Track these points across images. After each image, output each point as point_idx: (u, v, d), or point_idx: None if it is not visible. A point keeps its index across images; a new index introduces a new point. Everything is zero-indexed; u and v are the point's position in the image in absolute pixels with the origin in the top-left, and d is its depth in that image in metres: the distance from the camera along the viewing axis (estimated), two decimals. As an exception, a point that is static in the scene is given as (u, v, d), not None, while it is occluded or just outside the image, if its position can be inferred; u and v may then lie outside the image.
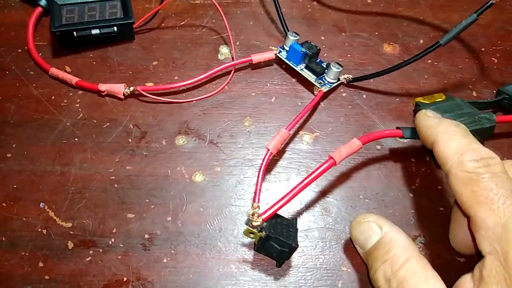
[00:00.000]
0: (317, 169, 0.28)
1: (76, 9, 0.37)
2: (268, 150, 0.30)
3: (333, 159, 0.29)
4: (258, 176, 0.29)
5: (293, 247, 0.27)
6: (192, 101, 0.36)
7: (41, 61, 0.37)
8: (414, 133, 0.30)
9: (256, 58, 0.37)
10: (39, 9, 0.39)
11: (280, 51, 0.37)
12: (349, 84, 0.37)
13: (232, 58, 0.38)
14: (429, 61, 0.38)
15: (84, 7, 0.37)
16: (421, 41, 0.39)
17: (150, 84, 0.36)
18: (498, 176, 0.23)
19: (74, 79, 0.36)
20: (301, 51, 0.35)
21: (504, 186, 0.23)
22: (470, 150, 0.24)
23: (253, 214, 0.27)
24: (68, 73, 0.36)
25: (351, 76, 0.36)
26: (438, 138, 0.26)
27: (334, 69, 0.35)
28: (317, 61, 0.37)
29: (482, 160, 0.24)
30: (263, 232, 0.26)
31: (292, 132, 0.34)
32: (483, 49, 0.39)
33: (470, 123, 0.31)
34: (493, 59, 0.38)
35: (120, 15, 0.37)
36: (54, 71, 0.36)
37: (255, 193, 0.28)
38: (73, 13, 0.37)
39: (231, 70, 0.37)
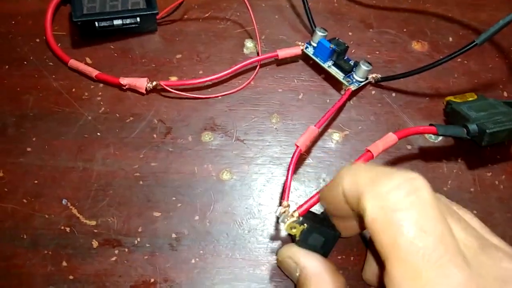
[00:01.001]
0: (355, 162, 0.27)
1: (98, -2, 0.36)
2: (297, 146, 0.29)
3: (370, 152, 0.28)
4: (287, 174, 0.28)
5: (336, 236, 0.25)
6: (217, 96, 0.35)
7: (60, 52, 0.35)
8: (448, 130, 0.29)
9: (282, 53, 0.36)
10: (56, -1, 0.38)
11: (307, 47, 0.36)
12: (377, 83, 0.36)
13: (258, 53, 0.37)
14: (459, 60, 0.37)
15: (106, -4, 0.36)
16: (450, 39, 0.39)
17: (174, 78, 0.35)
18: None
19: (94, 72, 0.34)
20: (330, 47, 0.34)
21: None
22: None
23: (284, 212, 0.26)
24: (89, 65, 0.35)
25: (380, 76, 0.35)
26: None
27: (364, 67, 0.34)
28: (345, 58, 0.35)
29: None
30: (305, 225, 0.25)
31: (320, 130, 0.33)
32: (512, 48, 0.39)
33: (505, 122, 0.30)
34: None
35: (143, 5, 0.36)
36: (73, 63, 0.35)
37: (284, 191, 0.28)
38: (94, 2, 0.36)
39: (256, 65, 0.36)
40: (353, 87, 0.34)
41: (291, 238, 0.27)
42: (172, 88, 0.34)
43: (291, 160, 0.28)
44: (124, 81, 0.34)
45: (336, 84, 0.36)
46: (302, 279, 0.24)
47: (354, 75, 0.35)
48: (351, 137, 0.33)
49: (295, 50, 0.36)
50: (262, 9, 0.39)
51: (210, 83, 0.35)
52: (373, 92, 0.35)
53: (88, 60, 0.36)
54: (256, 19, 0.38)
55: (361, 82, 0.35)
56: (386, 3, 0.41)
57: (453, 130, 0.30)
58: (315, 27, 0.36)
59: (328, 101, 0.35)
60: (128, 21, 0.35)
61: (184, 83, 0.34)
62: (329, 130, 0.34)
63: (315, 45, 0.36)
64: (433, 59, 0.37)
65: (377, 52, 0.37)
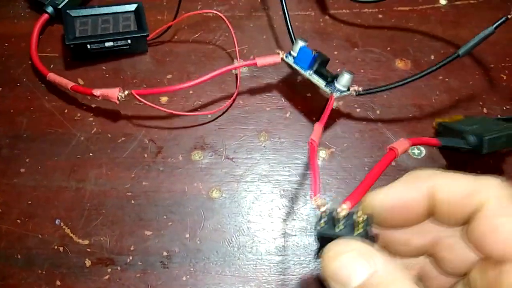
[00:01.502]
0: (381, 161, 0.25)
1: (90, 21, 0.37)
2: (313, 141, 0.29)
3: (394, 150, 0.25)
4: (313, 166, 0.26)
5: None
6: (200, 114, 0.36)
7: (40, 66, 0.36)
8: (449, 142, 0.30)
9: (261, 61, 0.35)
10: (45, 16, 0.39)
11: (287, 56, 0.35)
12: (360, 96, 0.36)
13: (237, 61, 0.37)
14: (440, 77, 0.39)
15: (98, 19, 0.37)
16: (432, 57, 0.40)
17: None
18: None
19: (69, 84, 0.35)
20: (312, 53, 0.34)
21: None
22: None
23: (322, 205, 0.21)
24: (81, 85, 0.36)
25: (361, 88, 0.35)
26: None
27: (346, 75, 0.34)
28: (326, 69, 0.35)
29: None
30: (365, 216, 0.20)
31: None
32: (492, 65, 0.40)
33: (500, 129, 0.31)
34: (502, 75, 0.39)
35: (134, 27, 0.37)
36: (51, 76, 0.35)
37: (313, 184, 0.24)
38: (86, 25, 0.37)
39: (244, 90, 0.37)
40: (335, 95, 0.34)
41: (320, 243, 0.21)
42: (142, 97, 0.33)
43: (312, 155, 0.28)
44: (97, 92, 0.34)
45: (324, 101, 0.37)
46: (378, 277, 0.18)
47: (336, 84, 0.34)
48: (337, 154, 0.34)
49: (274, 59, 0.35)
50: (250, 29, 0.41)
51: (199, 102, 0.36)
52: (358, 110, 0.37)
53: (80, 81, 0.37)
54: (245, 39, 0.40)
55: (343, 91, 0.34)
56: (370, 22, 0.42)
57: (453, 141, 0.31)
58: (295, 39, 0.36)
59: (314, 119, 0.36)
60: (119, 43, 0.36)
61: (155, 91, 0.34)
62: (316, 148, 0.35)
63: (295, 55, 0.35)
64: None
65: (362, 71, 0.39)
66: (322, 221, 0.20)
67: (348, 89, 0.35)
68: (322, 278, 0.20)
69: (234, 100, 0.36)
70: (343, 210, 0.20)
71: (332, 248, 0.19)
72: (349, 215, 0.20)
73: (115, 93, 0.34)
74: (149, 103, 0.34)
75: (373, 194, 0.21)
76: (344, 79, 0.34)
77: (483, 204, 0.19)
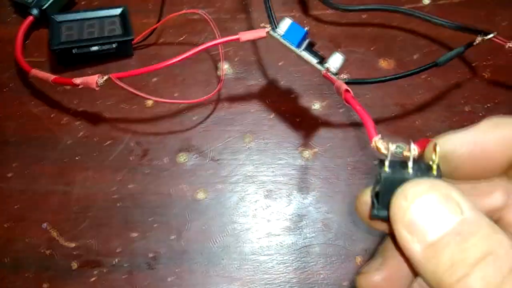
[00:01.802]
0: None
1: (75, 26, 0.37)
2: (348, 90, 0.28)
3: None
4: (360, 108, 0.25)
5: None
6: (185, 102, 0.36)
7: (23, 63, 0.36)
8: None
9: (245, 36, 0.33)
10: (30, 18, 0.39)
11: (274, 30, 0.32)
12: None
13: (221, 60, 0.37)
14: (423, 76, 0.39)
15: (83, 24, 0.37)
16: (415, 56, 0.40)
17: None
18: None
19: (51, 77, 0.34)
20: (305, 29, 0.32)
21: None
22: None
23: (385, 147, 0.18)
24: (68, 90, 0.36)
25: (347, 77, 0.34)
26: None
27: (338, 55, 0.32)
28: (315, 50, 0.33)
29: None
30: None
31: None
32: (474, 64, 0.40)
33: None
34: (484, 74, 0.39)
35: (119, 31, 0.38)
36: (34, 72, 0.35)
37: (369, 127, 0.22)
38: (72, 30, 0.37)
39: (229, 92, 0.38)
40: (332, 70, 0.32)
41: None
42: (121, 80, 0.32)
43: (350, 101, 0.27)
44: (77, 80, 0.33)
45: (307, 103, 0.37)
46: (471, 223, 0.15)
47: (327, 65, 0.32)
48: (320, 155, 0.35)
49: (259, 33, 0.33)
50: (235, 32, 0.41)
51: (185, 105, 0.37)
52: (341, 110, 0.37)
53: (67, 86, 0.37)
54: (230, 42, 0.40)
55: (334, 73, 0.32)
56: (355, 22, 0.42)
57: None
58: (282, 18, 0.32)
59: (298, 120, 0.36)
60: (105, 47, 0.37)
61: (134, 73, 0.33)
62: (300, 148, 0.35)
63: (282, 33, 0.32)
64: (399, 76, 0.39)
65: (346, 71, 0.39)
66: (386, 164, 0.17)
67: (337, 74, 0.32)
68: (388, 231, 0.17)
69: (219, 102, 0.37)
70: (415, 149, 0.17)
71: (409, 188, 0.15)
72: (418, 160, 0.17)
73: (94, 79, 0.32)
74: (130, 88, 0.32)
75: (446, 137, 0.18)
76: (336, 60, 0.32)
77: None
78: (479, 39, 0.35)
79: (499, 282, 0.13)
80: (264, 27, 0.32)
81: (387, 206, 0.16)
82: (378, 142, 0.19)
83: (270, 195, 0.33)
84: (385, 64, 0.40)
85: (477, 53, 0.41)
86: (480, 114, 0.37)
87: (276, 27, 0.32)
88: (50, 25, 0.37)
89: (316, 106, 0.37)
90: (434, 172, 0.16)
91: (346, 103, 0.27)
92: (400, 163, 0.17)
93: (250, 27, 0.41)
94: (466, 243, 0.14)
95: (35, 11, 0.39)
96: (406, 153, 0.17)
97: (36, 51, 0.39)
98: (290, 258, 0.31)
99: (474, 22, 0.43)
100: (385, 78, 0.34)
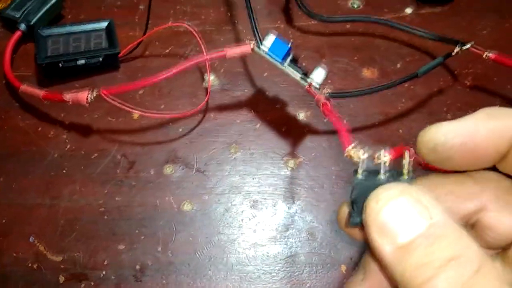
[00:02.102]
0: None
1: (61, 40, 0.38)
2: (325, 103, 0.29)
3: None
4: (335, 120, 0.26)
5: None
6: (173, 116, 0.36)
7: (12, 79, 0.36)
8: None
9: (231, 52, 0.33)
10: (18, 33, 0.39)
11: (259, 47, 0.33)
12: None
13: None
14: (406, 85, 0.40)
15: (69, 37, 0.38)
16: (398, 65, 0.41)
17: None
18: None
19: (41, 93, 0.35)
20: (288, 45, 0.32)
21: None
22: None
23: (356, 156, 0.19)
24: (55, 103, 0.37)
25: (330, 91, 0.35)
26: None
27: (321, 69, 0.33)
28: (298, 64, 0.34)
29: None
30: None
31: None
32: (456, 71, 0.41)
33: None
34: (466, 82, 0.40)
35: (105, 45, 0.38)
36: (24, 88, 0.36)
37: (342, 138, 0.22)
38: (58, 44, 0.37)
39: (215, 103, 0.38)
40: (314, 85, 0.33)
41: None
42: (111, 96, 0.33)
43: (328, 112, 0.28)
44: (66, 96, 0.34)
45: (293, 111, 0.38)
46: (437, 227, 0.15)
47: (310, 80, 0.33)
48: (305, 164, 0.35)
49: (245, 48, 0.34)
50: (221, 43, 0.42)
51: (171, 118, 0.37)
52: (325, 119, 0.37)
53: (54, 99, 0.37)
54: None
55: (317, 88, 0.33)
56: (339, 32, 0.43)
57: None
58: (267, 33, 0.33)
59: (283, 129, 0.37)
60: (91, 60, 0.37)
61: (124, 88, 0.34)
62: (285, 158, 0.36)
63: (266, 49, 0.33)
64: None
65: (330, 81, 0.40)
66: (359, 171, 0.17)
67: (319, 89, 0.33)
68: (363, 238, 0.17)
69: (205, 113, 0.37)
70: (386, 156, 0.18)
71: (381, 192, 0.16)
72: (392, 167, 0.18)
73: (84, 95, 0.33)
74: (118, 103, 0.33)
75: (437, 127, 0.18)
76: (319, 74, 0.33)
77: None
78: (457, 49, 0.36)
79: (463, 284, 0.14)
80: (250, 43, 0.33)
81: (361, 212, 0.17)
82: (351, 151, 0.19)
83: (255, 206, 0.34)
84: (368, 73, 0.41)
85: (458, 61, 0.42)
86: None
87: (261, 43, 0.33)
88: (36, 40, 0.37)
89: (301, 116, 0.38)
90: (405, 177, 0.17)
91: (324, 115, 0.28)
92: (373, 170, 0.18)
93: (236, 39, 0.42)
94: (433, 247, 0.15)
95: (23, 26, 0.39)
96: (377, 160, 0.18)
97: (23, 65, 0.39)
98: (276, 268, 0.31)
99: (455, 31, 0.44)
100: (363, 91, 0.35)
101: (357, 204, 0.17)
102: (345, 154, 0.20)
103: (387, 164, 0.17)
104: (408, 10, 0.45)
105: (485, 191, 0.18)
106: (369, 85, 0.40)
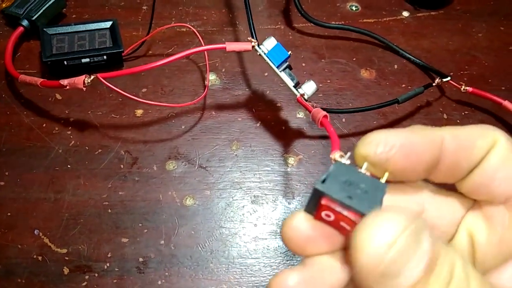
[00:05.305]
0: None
1: (66, 38, 0.38)
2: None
3: None
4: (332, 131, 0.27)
5: None
6: (171, 105, 0.37)
7: (12, 70, 0.37)
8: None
9: (231, 46, 0.34)
10: (20, 29, 0.40)
11: (259, 47, 0.34)
12: (327, 105, 0.39)
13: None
14: (403, 85, 0.41)
15: (74, 36, 0.39)
16: (396, 66, 0.42)
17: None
18: None
19: (39, 81, 0.35)
20: (288, 53, 0.34)
21: None
22: None
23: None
24: (59, 100, 0.37)
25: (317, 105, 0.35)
26: None
27: (313, 82, 0.34)
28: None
29: None
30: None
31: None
32: (452, 73, 0.42)
33: None
34: (461, 83, 0.41)
35: (109, 44, 0.39)
36: (22, 77, 0.36)
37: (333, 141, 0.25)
38: (63, 42, 0.38)
39: (216, 101, 0.39)
40: (305, 96, 0.34)
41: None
42: (108, 80, 0.33)
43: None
44: (64, 82, 0.34)
45: (292, 111, 0.39)
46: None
47: (301, 90, 0.34)
48: (305, 161, 0.36)
49: (245, 46, 0.34)
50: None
51: (173, 113, 0.38)
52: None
53: (58, 96, 0.38)
54: (217, 53, 0.42)
55: (307, 100, 0.34)
56: (337, 34, 0.44)
57: None
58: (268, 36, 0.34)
59: (283, 128, 0.38)
60: (95, 59, 0.38)
61: (121, 73, 0.35)
62: (285, 155, 0.36)
63: (266, 51, 0.34)
64: (380, 85, 0.41)
65: (329, 81, 0.41)
66: (323, 177, 0.17)
67: (309, 101, 0.34)
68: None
69: (206, 110, 0.38)
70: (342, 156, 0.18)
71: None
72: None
73: (81, 79, 0.33)
74: (115, 88, 0.33)
75: (376, 133, 0.17)
76: (310, 87, 0.34)
77: (496, 141, 0.17)
78: (438, 81, 0.40)
79: None
80: (251, 41, 0.34)
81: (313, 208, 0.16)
82: (334, 154, 0.19)
83: (256, 201, 0.34)
84: (366, 74, 0.42)
85: (454, 62, 0.43)
86: (458, 121, 0.39)
87: (259, 43, 0.34)
88: (42, 38, 0.38)
89: (301, 115, 0.39)
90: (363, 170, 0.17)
91: (321, 127, 0.30)
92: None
93: (237, 40, 0.43)
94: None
95: (25, 22, 0.40)
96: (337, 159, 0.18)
97: (27, 63, 0.40)
98: (276, 261, 0.32)
99: (451, 34, 0.45)
100: (342, 110, 0.38)
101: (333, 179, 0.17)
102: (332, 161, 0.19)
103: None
104: (405, 13, 0.46)
105: (422, 191, 0.19)
106: (367, 86, 0.41)
